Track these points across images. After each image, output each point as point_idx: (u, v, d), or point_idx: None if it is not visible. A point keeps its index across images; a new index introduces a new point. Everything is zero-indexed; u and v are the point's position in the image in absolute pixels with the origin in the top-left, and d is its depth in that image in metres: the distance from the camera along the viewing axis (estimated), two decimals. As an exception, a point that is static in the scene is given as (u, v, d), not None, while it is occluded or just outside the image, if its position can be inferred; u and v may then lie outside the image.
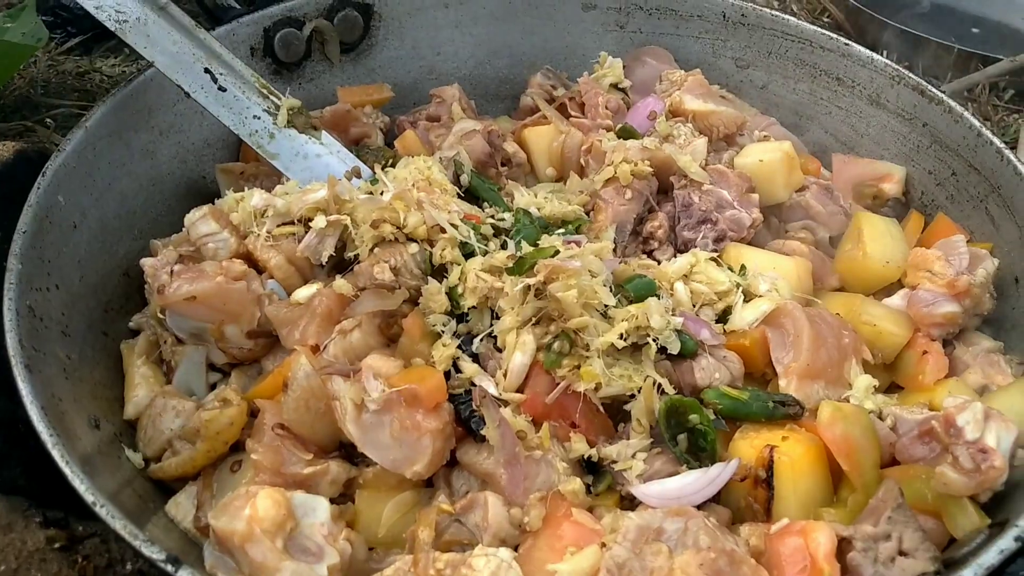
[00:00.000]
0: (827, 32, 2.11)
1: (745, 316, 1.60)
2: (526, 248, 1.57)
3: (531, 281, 1.48)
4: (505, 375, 1.48)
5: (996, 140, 1.82)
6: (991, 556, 1.21)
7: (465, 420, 1.44)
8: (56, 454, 1.28)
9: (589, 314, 1.48)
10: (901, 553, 1.28)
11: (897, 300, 1.74)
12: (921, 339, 1.67)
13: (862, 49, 2.06)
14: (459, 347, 1.52)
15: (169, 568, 1.16)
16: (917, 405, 1.55)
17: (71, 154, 1.69)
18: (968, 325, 1.74)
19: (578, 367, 1.46)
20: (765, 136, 2.00)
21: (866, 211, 1.90)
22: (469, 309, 1.54)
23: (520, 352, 1.48)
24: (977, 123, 1.86)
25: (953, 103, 1.92)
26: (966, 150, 1.88)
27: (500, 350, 1.51)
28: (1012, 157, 1.78)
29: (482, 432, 1.41)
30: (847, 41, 2.08)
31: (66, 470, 1.26)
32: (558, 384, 1.46)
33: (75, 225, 1.67)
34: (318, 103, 2.08)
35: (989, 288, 1.73)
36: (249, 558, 1.25)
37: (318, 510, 1.34)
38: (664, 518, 1.32)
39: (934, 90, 1.95)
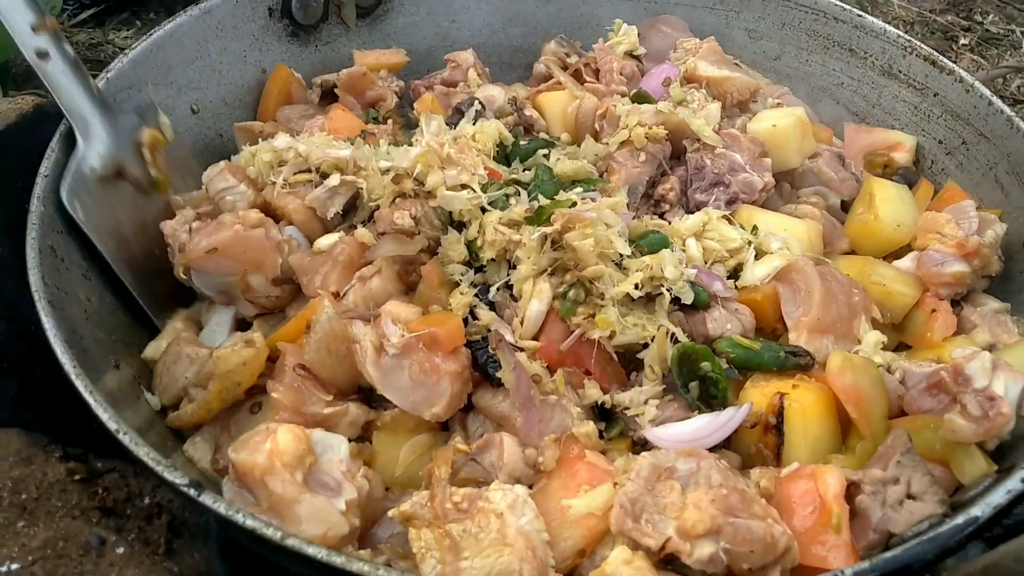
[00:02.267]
0: (840, 3, 2.13)
1: (757, 272, 1.62)
2: (544, 202, 1.59)
3: (548, 230, 1.50)
4: (522, 323, 1.50)
5: (1006, 109, 1.85)
6: (999, 496, 1.23)
7: (482, 365, 1.46)
8: (80, 384, 1.29)
9: (604, 264, 1.50)
10: (909, 496, 1.29)
11: (907, 263, 1.76)
12: (929, 298, 1.69)
13: (875, 20, 2.08)
14: (476, 296, 1.53)
15: (192, 492, 1.18)
16: (925, 361, 1.57)
17: (92, 104, 1.70)
18: (976, 287, 1.76)
19: (593, 315, 1.48)
20: (778, 103, 2.02)
21: (878, 178, 1.92)
22: (487, 261, 1.56)
23: (536, 300, 1.50)
24: (988, 92, 1.88)
25: (964, 73, 1.94)
26: (977, 119, 1.90)
27: (516, 299, 1.53)
28: (1022, 125, 1.80)
29: (498, 376, 1.43)
30: (860, 12, 2.10)
31: (89, 399, 1.28)
32: (573, 332, 1.48)
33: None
34: (334, 66, 2.11)
35: (997, 250, 1.75)
36: (268, 491, 1.27)
37: (337, 447, 1.36)
38: (676, 458, 1.33)
39: (945, 60, 1.97)
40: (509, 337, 1.49)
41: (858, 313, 1.62)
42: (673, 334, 1.49)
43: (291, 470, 1.28)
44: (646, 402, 1.47)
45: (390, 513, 1.32)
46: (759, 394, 1.46)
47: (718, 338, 1.52)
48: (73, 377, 1.30)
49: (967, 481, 1.38)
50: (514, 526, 1.26)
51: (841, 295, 1.61)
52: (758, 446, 1.44)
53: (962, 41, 3.53)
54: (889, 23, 3.54)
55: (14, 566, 1.15)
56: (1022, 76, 3.32)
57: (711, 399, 1.46)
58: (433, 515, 1.28)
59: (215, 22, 1.96)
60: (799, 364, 1.50)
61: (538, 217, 1.53)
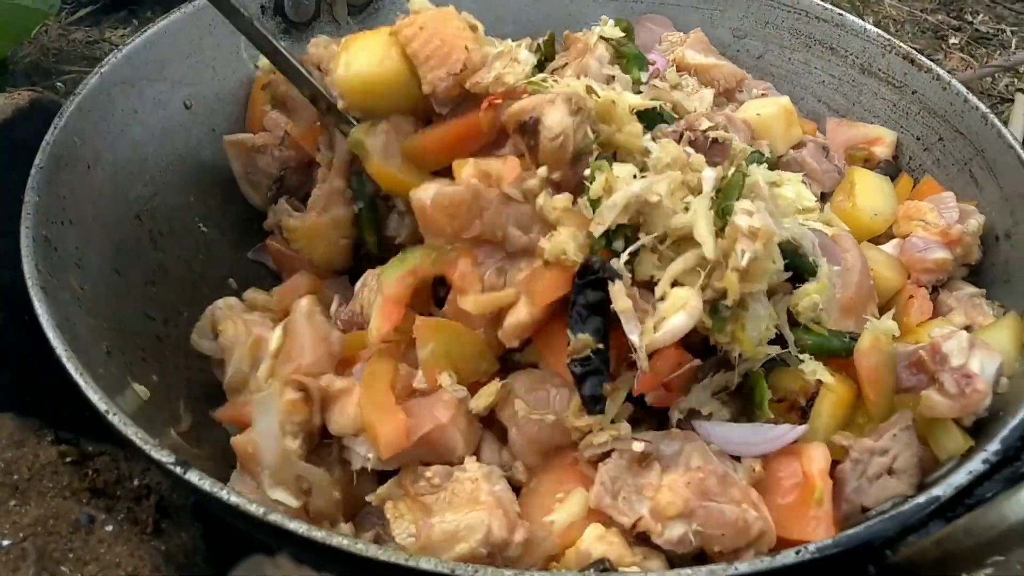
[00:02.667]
0: (822, 3, 2.17)
1: None
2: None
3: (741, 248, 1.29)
4: (655, 328, 1.32)
5: (981, 105, 1.89)
6: (961, 476, 1.27)
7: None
8: (71, 367, 1.33)
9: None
10: (890, 472, 1.33)
11: (889, 249, 1.80)
12: (909, 285, 1.74)
13: (855, 19, 2.12)
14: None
15: (178, 471, 1.21)
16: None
17: (86, 98, 1.74)
18: (955, 274, 1.81)
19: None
20: (763, 94, 2.06)
21: (860, 168, 1.96)
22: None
23: (685, 313, 1.31)
24: (963, 89, 1.93)
25: (941, 71, 1.98)
26: (953, 115, 1.94)
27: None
28: (996, 121, 1.85)
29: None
30: (840, 12, 2.14)
31: (79, 380, 1.32)
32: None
33: (89, 166, 1.72)
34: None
35: (978, 239, 1.80)
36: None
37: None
38: (661, 439, 1.37)
39: (923, 58, 2.02)
40: (636, 339, 1.31)
41: (873, 296, 1.66)
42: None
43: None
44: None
45: (368, 498, 1.36)
46: (793, 375, 1.45)
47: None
48: (64, 360, 1.34)
49: (944, 456, 1.42)
50: (487, 490, 1.31)
51: (867, 276, 1.65)
52: (777, 420, 1.43)
53: (952, 40, 3.57)
54: (880, 22, 3.61)
55: (5, 542, 1.19)
56: (1010, 75, 3.36)
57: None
58: (407, 493, 1.32)
59: (208, 19, 1.99)
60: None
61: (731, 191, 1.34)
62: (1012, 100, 3.09)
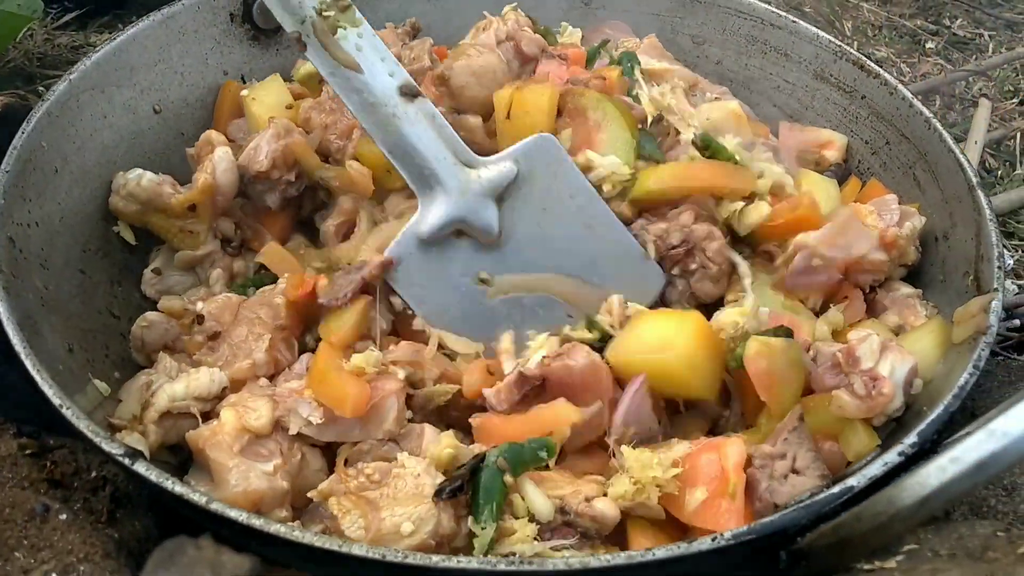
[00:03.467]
0: (777, 10, 2.23)
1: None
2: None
3: None
4: None
5: (926, 111, 1.94)
6: (875, 468, 1.32)
7: None
8: (28, 363, 1.39)
9: None
10: (794, 471, 1.39)
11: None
12: (845, 284, 1.79)
13: (809, 26, 2.18)
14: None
15: (127, 462, 1.28)
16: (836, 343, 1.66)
17: (55, 103, 1.80)
18: (893, 275, 1.85)
19: None
20: (717, 98, 2.11)
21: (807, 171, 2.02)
22: None
23: None
24: (909, 94, 1.98)
25: (889, 76, 2.04)
26: (899, 120, 2.00)
27: None
28: (938, 126, 1.90)
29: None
30: (795, 19, 2.20)
31: (36, 376, 1.38)
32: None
33: (57, 170, 1.78)
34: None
35: (915, 241, 1.85)
36: (210, 460, 1.41)
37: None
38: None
39: (872, 64, 2.07)
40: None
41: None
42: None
43: (230, 441, 1.40)
44: None
45: (309, 494, 1.42)
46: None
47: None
48: (23, 356, 1.40)
49: (852, 456, 1.47)
50: (429, 484, 1.36)
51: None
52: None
53: (929, 45, 3.62)
54: (858, 27, 3.65)
55: (-38, 528, 1.25)
56: (984, 78, 3.41)
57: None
58: (348, 489, 1.37)
59: (178, 26, 2.05)
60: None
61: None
62: (983, 105, 3.13)
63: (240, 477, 1.40)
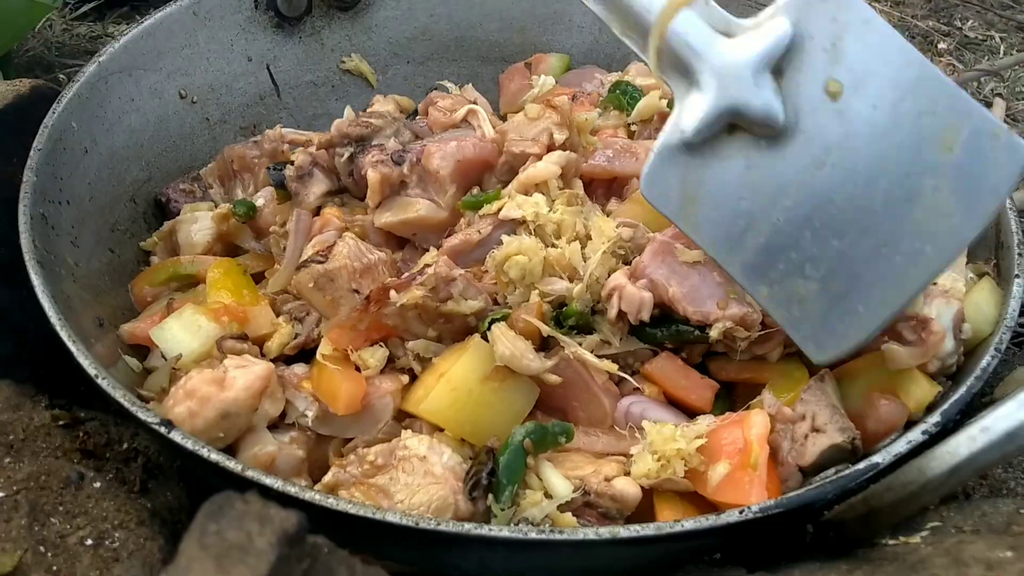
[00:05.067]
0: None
1: None
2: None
3: None
4: None
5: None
6: (900, 445, 1.33)
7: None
8: (64, 335, 1.41)
9: None
10: (815, 430, 1.40)
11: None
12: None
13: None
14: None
15: (162, 430, 1.29)
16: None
17: (84, 85, 1.82)
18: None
19: None
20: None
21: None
22: None
23: None
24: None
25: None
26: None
27: None
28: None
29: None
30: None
31: (72, 347, 1.40)
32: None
33: (86, 150, 1.81)
34: (317, 57, 2.24)
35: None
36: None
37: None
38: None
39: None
40: None
41: None
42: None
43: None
44: None
45: (316, 487, 1.41)
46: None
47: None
48: (58, 328, 1.42)
49: (913, 405, 1.45)
50: (438, 464, 1.36)
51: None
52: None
53: (941, 45, 3.64)
54: (870, 28, 3.67)
55: (0, 494, 1.27)
56: (995, 79, 3.43)
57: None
58: (356, 479, 1.38)
59: (204, 12, 2.07)
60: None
61: None
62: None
63: (254, 442, 1.43)
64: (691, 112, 1.32)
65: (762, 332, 1.47)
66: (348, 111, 2.13)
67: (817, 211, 1.32)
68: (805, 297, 1.34)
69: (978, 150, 1.26)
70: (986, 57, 3.60)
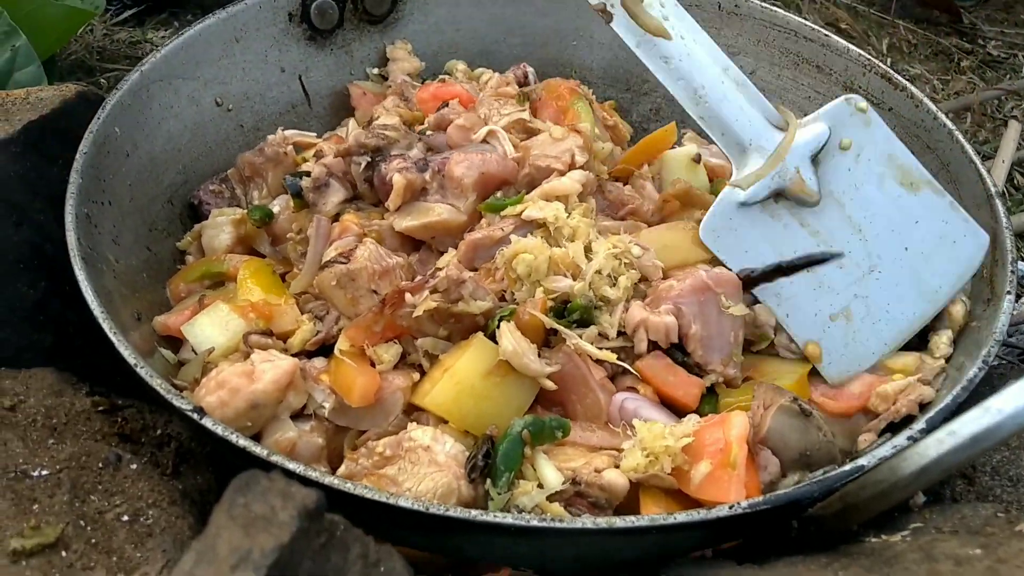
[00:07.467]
0: (810, 24, 2.32)
1: None
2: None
3: None
4: None
5: (949, 123, 2.03)
6: (885, 450, 1.41)
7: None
8: (106, 326, 1.51)
9: None
10: (766, 408, 1.53)
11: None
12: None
13: (839, 40, 2.27)
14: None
15: (195, 416, 1.40)
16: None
17: (127, 92, 1.92)
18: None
19: None
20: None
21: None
22: None
23: None
24: (934, 107, 2.07)
25: (915, 90, 2.12)
26: (923, 132, 2.08)
27: None
28: (960, 138, 1.99)
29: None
30: (827, 32, 2.29)
31: (113, 338, 1.50)
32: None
33: (127, 154, 1.91)
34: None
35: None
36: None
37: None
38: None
39: (899, 77, 2.16)
40: None
41: None
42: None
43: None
44: None
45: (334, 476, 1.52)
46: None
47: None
48: (101, 320, 1.52)
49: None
50: (442, 453, 1.45)
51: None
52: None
53: (963, 63, 3.69)
54: (894, 44, 3.73)
55: (44, 472, 1.37)
56: (1016, 98, 3.49)
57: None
58: (367, 470, 1.48)
59: (240, 24, 2.18)
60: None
61: None
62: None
63: (277, 429, 1.54)
64: (747, 181, 1.71)
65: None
66: (353, 123, 2.25)
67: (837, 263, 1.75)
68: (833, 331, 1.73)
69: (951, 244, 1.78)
70: (1008, 76, 3.65)
